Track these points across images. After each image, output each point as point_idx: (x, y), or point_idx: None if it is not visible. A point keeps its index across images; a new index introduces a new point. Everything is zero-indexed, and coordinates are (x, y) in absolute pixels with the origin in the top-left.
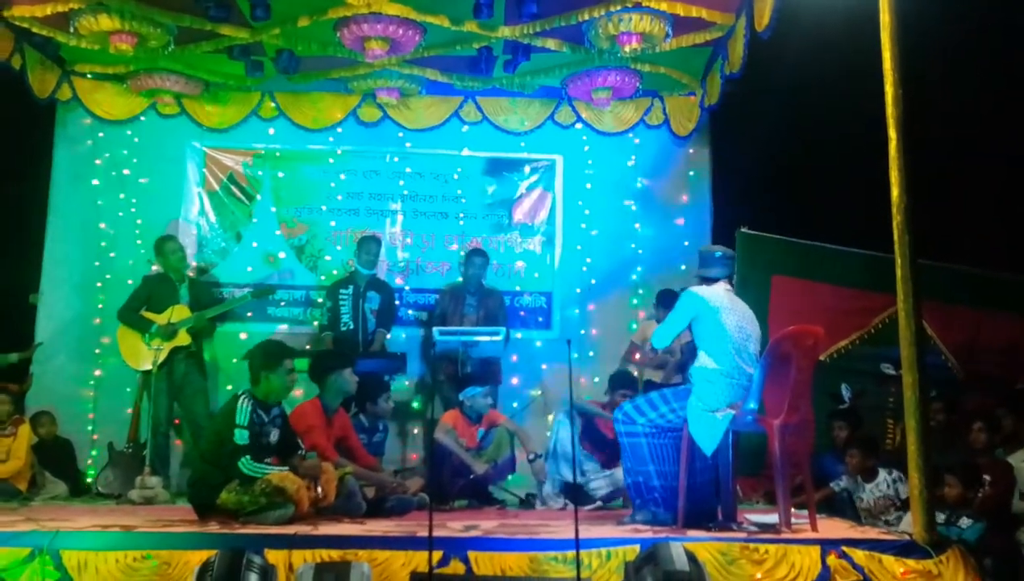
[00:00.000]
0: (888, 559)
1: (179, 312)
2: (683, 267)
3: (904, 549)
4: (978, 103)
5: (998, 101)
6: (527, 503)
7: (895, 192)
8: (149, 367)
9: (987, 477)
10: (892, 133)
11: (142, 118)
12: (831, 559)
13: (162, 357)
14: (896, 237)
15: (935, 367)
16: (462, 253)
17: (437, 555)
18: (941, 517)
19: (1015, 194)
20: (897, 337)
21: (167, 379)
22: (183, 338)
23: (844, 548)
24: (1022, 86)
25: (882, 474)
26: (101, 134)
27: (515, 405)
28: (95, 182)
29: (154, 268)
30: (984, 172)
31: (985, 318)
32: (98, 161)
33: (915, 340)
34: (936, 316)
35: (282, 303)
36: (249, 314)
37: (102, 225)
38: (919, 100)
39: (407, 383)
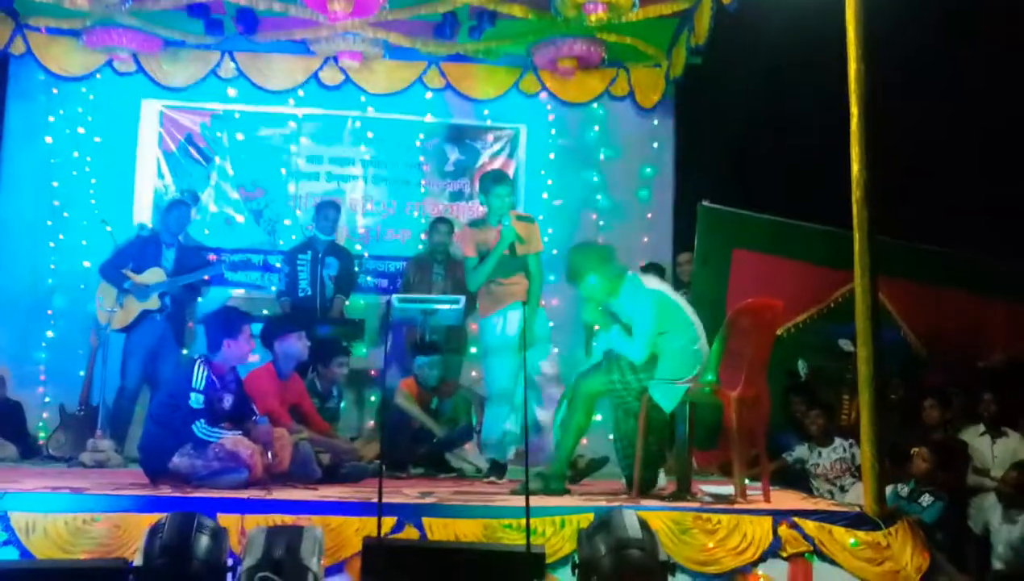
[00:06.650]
0: (838, 530)
1: (155, 275)
2: (645, 240)
3: (854, 521)
4: (945, 81)
5: (965, 78)
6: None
7: (855, 167)
8: (119, 327)
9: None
10: (854, 109)
11: (98, 75)
12: (782, 529)
13: (130, 318)
14: (855, 212)
15: (896, 344)
16: (423, 221)
17: (391, 521)
18: (904, 491)
19: (984, 173)
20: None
21: (141, 342)
22: (153, 302)
23: (795, 519)
24: (990, 61)
25: (838, 439)
26: (55, 90)
27: (473, 374)
28: (48, 140)
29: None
30: (951, 151)
31: (948, 297)
32: (52, 118)
33: (870, 314)
34: (900, 294)
35: (239, 268)
36: (206, 278)
37: (55, 184)
38: (883, 76)
39: (365, 350)
